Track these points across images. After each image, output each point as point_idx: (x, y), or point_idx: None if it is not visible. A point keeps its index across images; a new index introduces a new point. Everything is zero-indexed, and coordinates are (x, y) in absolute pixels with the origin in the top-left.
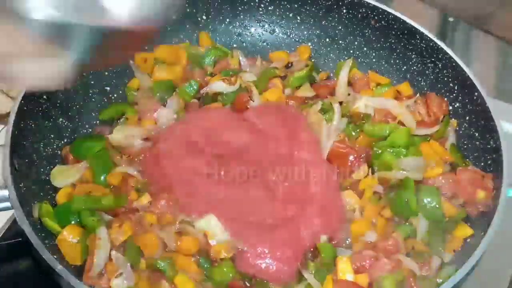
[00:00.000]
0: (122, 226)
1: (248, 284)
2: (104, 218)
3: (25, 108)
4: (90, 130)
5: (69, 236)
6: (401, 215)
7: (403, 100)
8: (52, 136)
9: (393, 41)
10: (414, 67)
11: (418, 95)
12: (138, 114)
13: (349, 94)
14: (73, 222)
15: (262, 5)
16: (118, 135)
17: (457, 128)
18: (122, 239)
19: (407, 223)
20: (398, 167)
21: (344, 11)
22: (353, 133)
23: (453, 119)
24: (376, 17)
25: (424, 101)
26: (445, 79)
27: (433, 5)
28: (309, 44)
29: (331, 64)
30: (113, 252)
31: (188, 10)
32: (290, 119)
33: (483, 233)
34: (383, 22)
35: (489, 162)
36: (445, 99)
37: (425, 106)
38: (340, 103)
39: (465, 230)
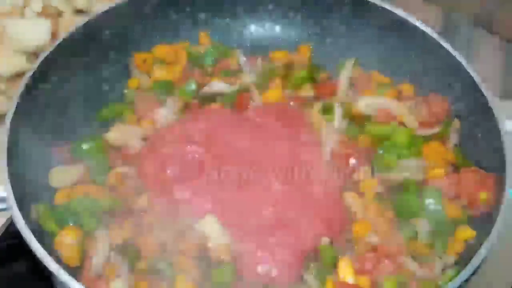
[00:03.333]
0: (122, 226)
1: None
2: (103, 219)
3: (23, 108)
4: (89, 130)
5: (67, 237)
6: (403, 216)
7: (404, 100)
8: (51, 136)
9: (394, 40)
10: (416, 67)
11: (419, 95)
12: (137, 114)
13: (348, 95)
14: (71, 223)
15: (262, 5)
16: (116, 135)
17: (460, 128)
18: (121, 240)
19: (409, 225)
20: (400, 168)
21: (345, 10)
22: (354, 134)
23: (455, 119)
24: (377, 16)
25: (425, 101)
26: (447, 78)
27: (435, 4)
28: (310, 43)
29: (332, 64)
30: (112, 253)
31: (187, 9)
32: (290, 119)
33: (485, 235)
34: (384, 21)
35: (492, 162)
36: (447, 99)
37: (426, 106)
38: (341, 103)
39: (468, 232)
